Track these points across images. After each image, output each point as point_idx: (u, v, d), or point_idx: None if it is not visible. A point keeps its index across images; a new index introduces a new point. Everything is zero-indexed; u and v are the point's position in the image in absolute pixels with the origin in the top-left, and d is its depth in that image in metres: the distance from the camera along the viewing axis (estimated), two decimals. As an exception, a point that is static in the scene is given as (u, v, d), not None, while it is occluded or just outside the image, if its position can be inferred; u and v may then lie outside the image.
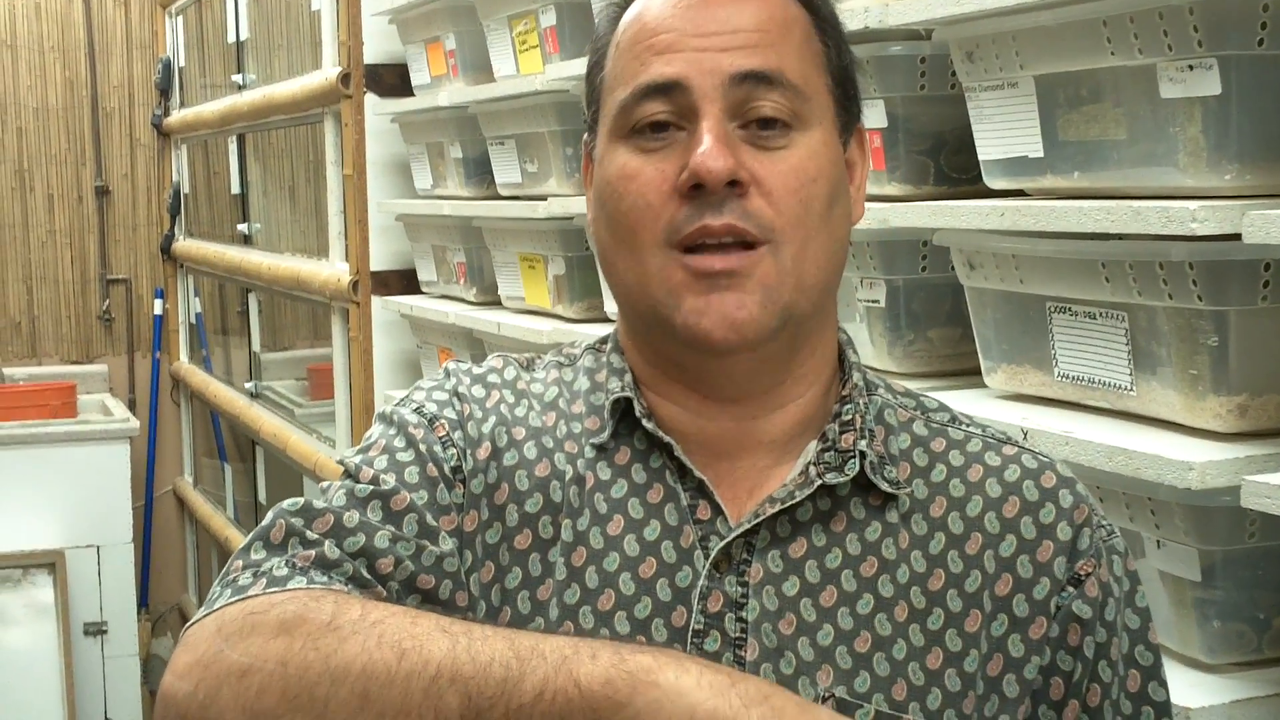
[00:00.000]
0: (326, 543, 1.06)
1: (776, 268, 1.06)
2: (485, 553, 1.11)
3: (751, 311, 1.06)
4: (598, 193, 1.13)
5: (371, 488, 1.09)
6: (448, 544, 1.09)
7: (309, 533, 1.06)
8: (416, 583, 1.07)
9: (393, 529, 1.07)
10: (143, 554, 5.57)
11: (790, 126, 1.08)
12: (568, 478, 1.12)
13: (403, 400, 1.18)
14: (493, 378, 1.19)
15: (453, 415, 1.14)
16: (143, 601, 5.54)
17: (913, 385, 1.26)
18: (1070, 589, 1.11)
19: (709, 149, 1.05)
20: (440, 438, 1.13)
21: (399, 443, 1.13)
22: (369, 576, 1.05)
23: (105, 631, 4.94)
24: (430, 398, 1.17)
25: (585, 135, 1.18)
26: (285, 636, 0.96)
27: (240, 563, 1.06)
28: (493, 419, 1.15)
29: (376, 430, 1.16)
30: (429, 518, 1.09)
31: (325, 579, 1.03)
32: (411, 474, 1.11)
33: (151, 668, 5.49)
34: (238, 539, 4.87)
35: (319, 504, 1.08)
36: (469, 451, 1.13)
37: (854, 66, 1.17)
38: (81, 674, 4.83)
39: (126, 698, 5.00)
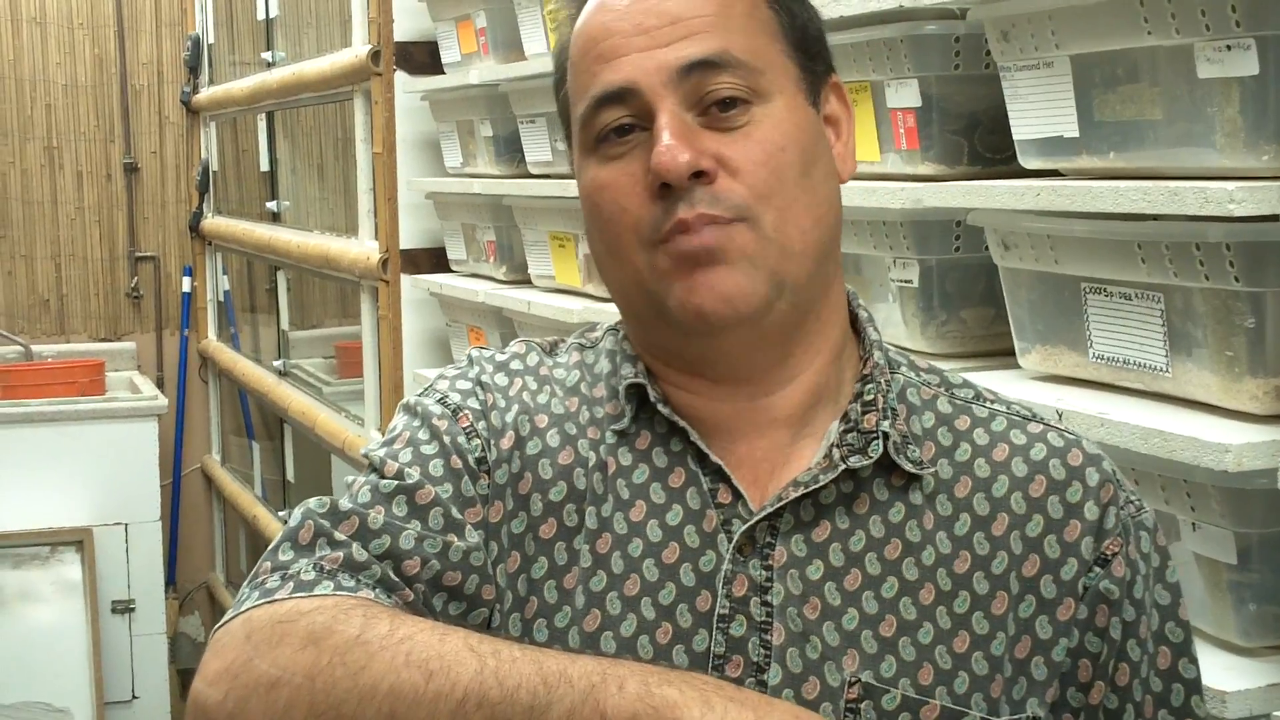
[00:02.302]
0: (354, 545, 1.06)
1: (756, 237, 1.06)
2: (511, 543, 1.10)
3: (739, 281, 1.06)
4: (584, 208, 1.14)
5: (396, 482, 1.10)
6: (473, 537, 1.09)
7: (336, 534, 1.07)
8: (443, 580, 1.07)
9: (419, 525, 1.08)
10: (170, 532, 5.59)
11: (749, 102, 1.08)
12: (590, 464, 1.12)
13: (426, 390, 1.18)
14: (515, 364, 1.19)
15: (476, 405, 1.14)
16: (170, 579, 5.56)
17: (946, 366, 1.26)
18: (1097, 569, 1.10)
19: (668, 145, 1.05)
20: (464, 428, 1.13)
21: (423, 435, 1.13)
22: (396, 579, 1.06)
23: (133, 609, 4.97)
24: (454, 387, 1.16)
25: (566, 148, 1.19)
26: (313, 648, 0.97)
27: (269, 564, 1.07)
28: (515, 407, 1.15)
29: (400, 422, 1.16)
30: (454, 511, 1.09)
31: (353, 583, 1.04)
32: (436, 467, 1.11)
33: (179, 645, 5.53)
34: (265, 517, 4.89)
35: (345, 504, 1.09)
36: (493, 441, 1.13)
37: (815, 22, 1.16)
38: (109, 651, 4.86)
39: (153, 675, 5.03)
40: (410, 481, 1.09)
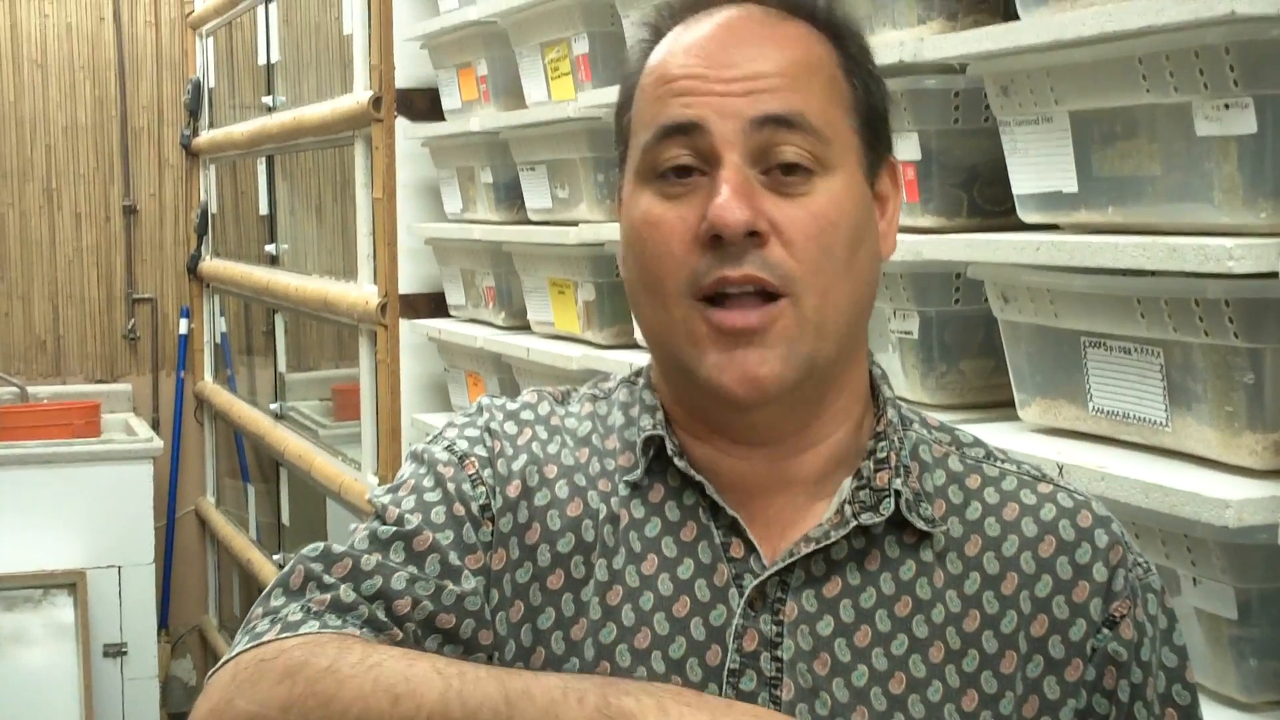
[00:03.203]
0: (343, 586, 1.08)
1: (797, 319, 1.06)
2: (515, 591, 1.11)
3: (774, 367, 1.06)
4: (624, 234, 1.13)
5: (395, 529, 1.11)
6: (470, 583, 1.09)
7: (326, 577, 1.08)
8: (436, 622, 1.08)
9: (413, 569, 1.08)
10: (164, 575, 5.58)
11: (812, 172, 1.07)
12: (601, 516, 1.12)
13: (435, 437, 1.19)
14: (526, 414, 1.19)
15: (483, 453, 1.15)
16: (163, 622, 5.54)
17: (945, 417, 1.26)
18: (1105, 631, 1.11)
19: (727, 200, 1.04)
20: (469, 475, 1.13)
21: (428, 482, 1.14)
22: (385, 619, 1.07)
23: (125, 653, 4.95)
24: (462, 434, 1.17)
25: (617, 173, 1.19)
26: (288, 681, 1.00)
27: (260, 610, 1.09)
28: (524, 457, 1.15)
29: (407, 470, 1.17)
30: (452, 557, 1.10)
31: (340, 622, 1.06)
32: (438, 514, 1.12)
33: (171, 689, 5.50)
34: (260, 560, 4.88)
35: (338, 548, 1.10)
36: (498, 489, 1.13)
37: (885, 101, 1.16)
38: (101, 695, 4.83)
39: (145, 719, 5.00)
40: (409, 528, 1.10)
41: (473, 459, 1.14)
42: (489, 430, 1.17)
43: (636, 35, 1.19)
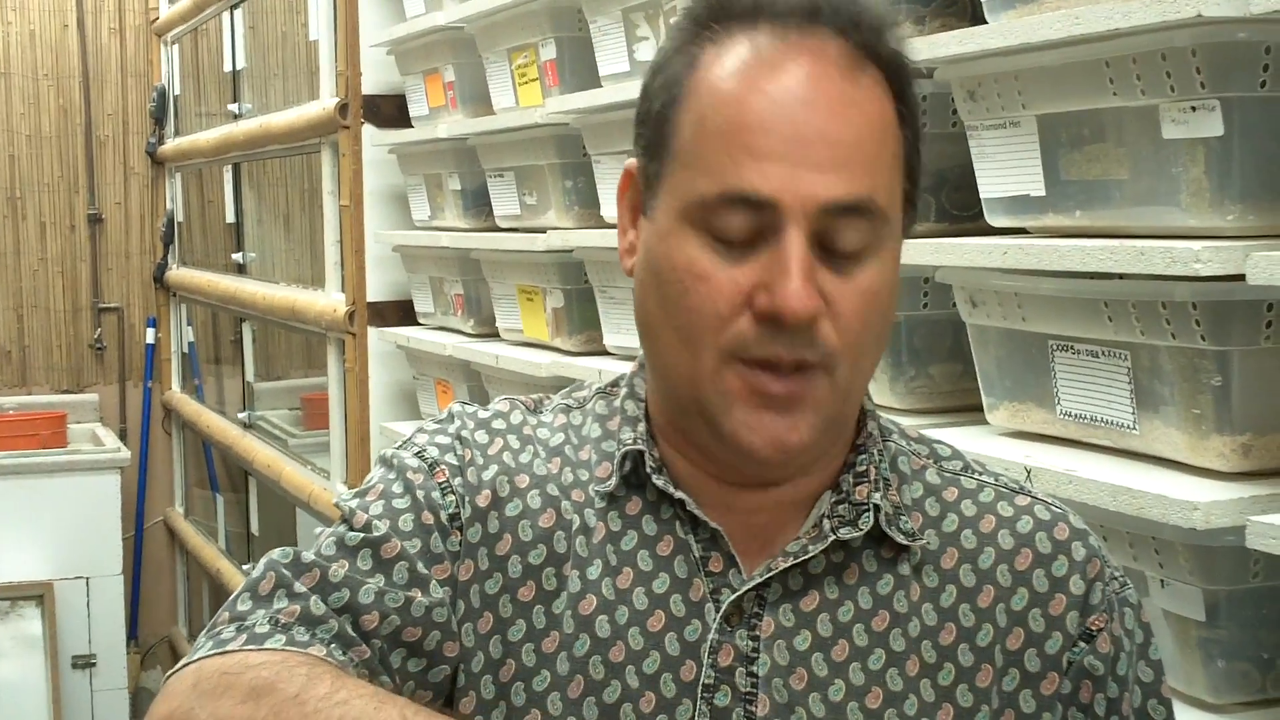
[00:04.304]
0: (313, 598, 1.06)
1: (831, 389, 1.04)
2: (484, 603, 1.10)
3: (803, 436, 1.04)
4: (655, 265, 1.07)
5: (363, 535, 1.09)
6: (438, 593, 1.08)
7: (296, 585, 1.07)
8: (402, 636, 1.07)
9: (382, 579, 1.07)
10: (132, 586, 5.54)
11: (869, 252, 1.04)
12: (574, 527, 1.11)
13: (405, 443, 1.18)
14: (497, 423, 1.18)
15: (454, 461, 1.14)
16: (132, 634, 5.51)
17: (913, 422, 1.26)
18: (1082, 644, 1.10)
19: (797, 289, 1.00)
20: (439, 484, 1.12)
21: (396, 488, 1.13)
22: (353, 634, 1.06)
23: (94, 664, 4.92)
24: (433, 441, 1.16)
25: (632, 163, 1.13)
26: (252, 703, 0.98)
27: (227, 614, 1.07)
28: (494, 467, 1.14)
29: (376, 474, 1.16)
30: (420, 566, 1.09)
31: (307, 637, 1.04)
32: (406, 521, 1.10)
33: (140, 701, 5.46)
34: (229, 570, 4.85)
35: (308, 556, 1.09)
36: (468, 498, 1.12)
37: (922, 147, 1.11)
38: (69, 707, 4.80)
39: (115, 730, 4.97)
40: (377, 534, 1.09)
41: (443, 467, 1.13)
42: (460, 438, 1.16)
43: (679, 23, 1.10)
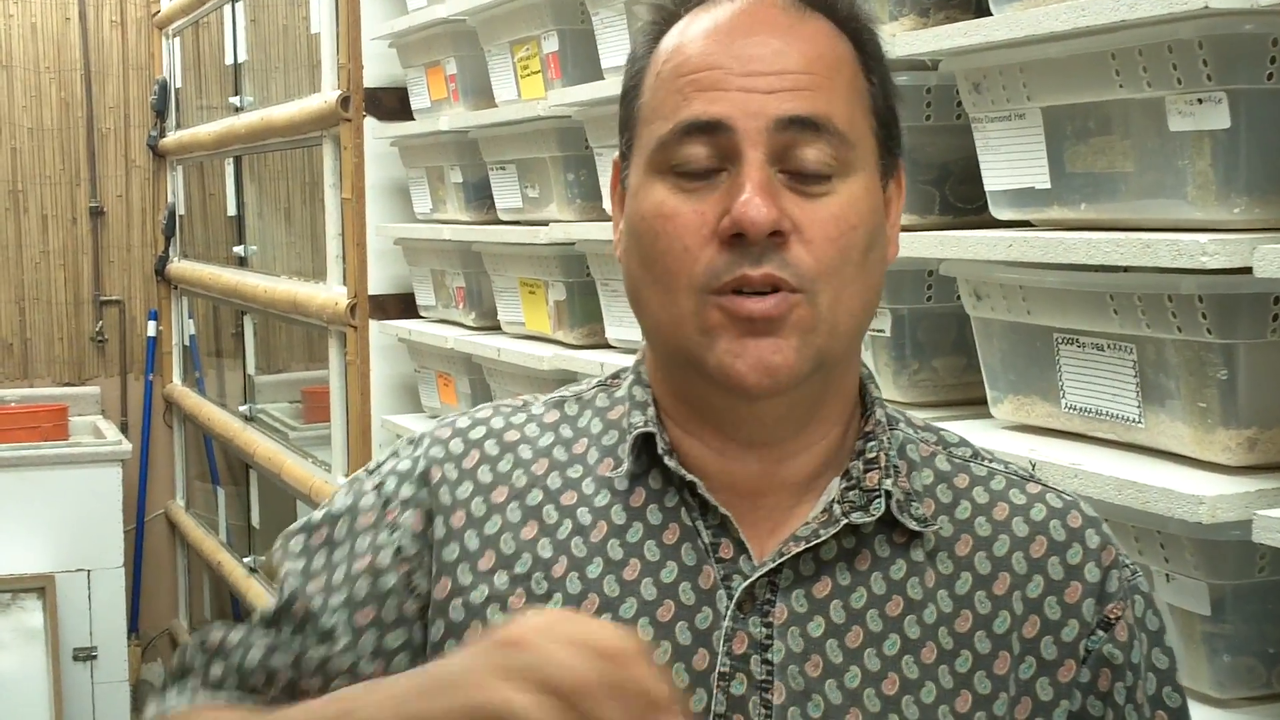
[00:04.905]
0: (213, 665, 1.13)
1: (813, 314, 1.04)
2: (470, 613, 1.09)
3: (787, 357, 1.04)
4: (631, 225, 1.10)
5: (280, 596, 1.14)
6: (341, 642, 1.10)
7: (199, 656, 1.14)
8: (298, 689, 1.10)
9: (273, 638, 1.12)
10: (133, 578, 5.54)
11: (833, 174, 1.05)
12: (565, 531, 1.10)
13: (375, 468, 1.18)
14: (476, 431, 1.17)
15: (410, 492, 1.14)
16: (133, 627, 5.50)
17: (918, 415, 1.25)
18: (1100, 632, 1.10)
19: (752, 199, 1.01)
20: (389, 522, 1.13)
21: (340, 532, 1.15)
22: (245, 693, 1.11)
23: (95, 657, 4.92)
24: (395, 469, 1.16)
25: (617, 156, 1.16)
26: None
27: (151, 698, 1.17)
28: (469, 483, 1.13)
29: (338, 502, 1.17)
30: (330, 618, 1.11)
31: (209, 697, 1.11)
32: (338, 575, 1.13)
33: (141, 694, 5.45)
34: (230, 563, 4.86)
35: (216, 632, 1.15)
36: (440, 518, 1.12)
37: (897, 101, 1.13)
38: (70, 700, 4.80)
39: (115, 723, 4.97)
40: (288, 593, 1.14)
41: (396, 505, 1.14)
42: (430, 458, 1.15)
43: (644, 17, 1.16)
